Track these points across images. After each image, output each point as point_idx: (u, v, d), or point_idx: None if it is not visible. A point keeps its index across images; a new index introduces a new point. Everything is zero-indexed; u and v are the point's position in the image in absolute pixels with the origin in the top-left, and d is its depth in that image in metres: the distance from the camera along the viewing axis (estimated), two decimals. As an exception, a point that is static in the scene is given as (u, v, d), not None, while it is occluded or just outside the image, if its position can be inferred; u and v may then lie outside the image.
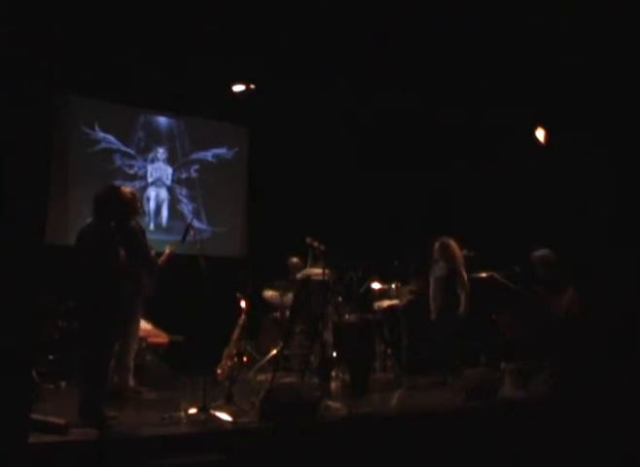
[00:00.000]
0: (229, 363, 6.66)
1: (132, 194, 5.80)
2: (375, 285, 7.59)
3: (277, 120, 9.07)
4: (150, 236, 8.84)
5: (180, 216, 9.23)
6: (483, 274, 7.28)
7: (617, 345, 6.57)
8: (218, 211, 9.52)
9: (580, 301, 6.73)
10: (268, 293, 7.80)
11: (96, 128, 8.74)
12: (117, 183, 8.78)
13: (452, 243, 7.19)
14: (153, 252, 6.02)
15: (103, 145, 8.82)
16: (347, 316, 6.88)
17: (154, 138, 9.27)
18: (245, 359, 7.03)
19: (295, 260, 7.84)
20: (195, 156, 9.54)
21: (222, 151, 9.70)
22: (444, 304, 7.09)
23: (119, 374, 5.63)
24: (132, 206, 5.63)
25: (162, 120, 9.38)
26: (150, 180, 9.20)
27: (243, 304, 7.09)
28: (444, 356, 6.99)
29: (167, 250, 6.42)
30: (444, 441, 4.96)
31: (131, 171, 9.05)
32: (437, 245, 7.23)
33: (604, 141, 8.00)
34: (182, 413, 4.71)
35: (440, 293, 7.16)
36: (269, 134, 9.33)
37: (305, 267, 7.18)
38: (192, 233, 5.55)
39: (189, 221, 6.15)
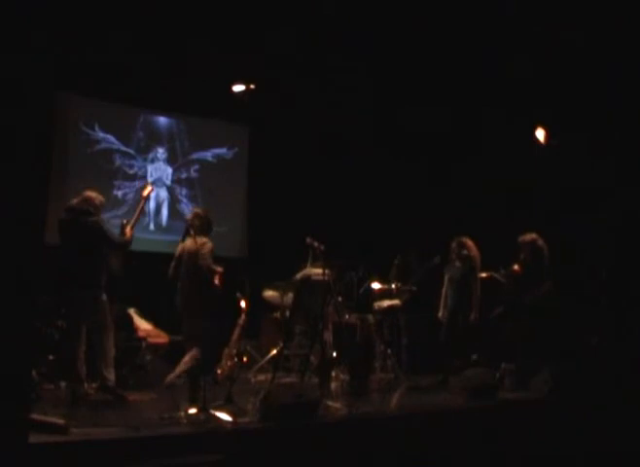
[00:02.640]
0: (229, 363, 6.66)
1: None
2: (375, 285, 7.58)
3: (277, 120, 9.07)
4: (150, 236, 8.94)
5: (180, 216, 9.22)
6: (483, 274, 7.28)
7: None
8: (218, 211, 9.51)
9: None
10: (268, 293, 7.79)
11: (96, 128, 8.74)
12: (116, 183, 8.85)
13: (469, 243, 7.16)
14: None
15: (103, 145, 8.82)
16: (347, 316, 6.87)
17: (154, 138, 9.27)
18: (245, 359, 7.03)
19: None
20: (195, 156, 9.53)
21: (222, 151, 9.70)
22: (455, 305, 7.09)
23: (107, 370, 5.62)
24: None
25: (162, 120, 9.38)
26: (150, 180, 9.19)
27: (243, 304, 7.09)
28: (444, 356, 7.00)
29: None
30: (444, 441, 4.96)
31: (131, 171, 9.05)
32: (453, 245, 7.20)
33: (604, 141, 8.01)
34: (182, 413, 4.71)
35: (452, 294, 7.15)
36: (269, 134, 9.34)
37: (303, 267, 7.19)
38: (192, 232, 5.55)
39: (189, 221, 6.15)
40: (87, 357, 5.60)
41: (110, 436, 4.10)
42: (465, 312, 7.01)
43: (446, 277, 7.30)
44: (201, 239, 5.97)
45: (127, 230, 5.90)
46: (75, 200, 5.81)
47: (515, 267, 7.11)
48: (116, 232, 5.94)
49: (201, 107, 9.02)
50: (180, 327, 6.22)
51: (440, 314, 7.28)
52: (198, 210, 6.47)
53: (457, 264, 7.17)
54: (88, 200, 5.79)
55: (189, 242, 5.89)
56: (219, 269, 6.10)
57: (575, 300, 7.64)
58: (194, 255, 5.91)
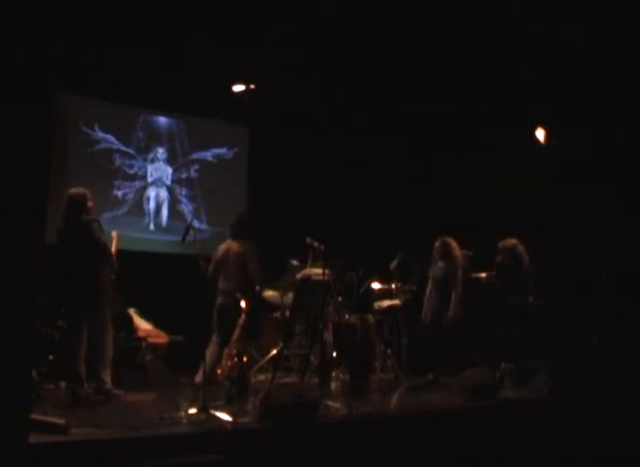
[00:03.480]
0: (229, 363, 6.66)
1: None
2: (375, 285, 7.58)
3: (277, 120, 9.07)
4: (150, 236, 8.95)
5: (180, 216, 9.23)
6: (483, 274, 7.28)
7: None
8: (218, 211, 9.52)
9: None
10: (268, 293, 7.79)
11: (96, 128, 8.74)
12: (116, 183, 8.85)
13: (453, 243, 7.17)
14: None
15: (103, 145, 8.82)
16: (347, 316, 6.87)
17: (154, 138, 9.27)
18: (245, 359, 7.02)
19: (295, 262, 7.81)
20: (195, 156, 9.53)
21: (222, 151, 9.70)
22: (439, 305, 7.10)
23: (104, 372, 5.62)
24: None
25: (162, 120, 9.38)
26: (150, 180, 9.20)
27: (243, 304, 7.09)
28: (435, 356, 7.00)
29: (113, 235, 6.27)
30: (444, 441, 4.96)
31: (131, 171, 9.05)
32: (437, 244, 7.21)
33: (604, 141, 8.01)
34: (182, 413, 4.71)
35: (435, 293, 7.16)
36: (269, 134, 9.33)
37: (303, 267, 7.20)
38: (192, 232, 5.56)
39: (189, 221, 6.16)
40: (86, 357, 5.61)
41: (110, 436, 4.10)
42: (445, 313, 7.02)
43: (430, 277, 7.31)
44: (248, 244, 6.31)
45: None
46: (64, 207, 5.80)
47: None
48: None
49: (201, 107, 9.02)
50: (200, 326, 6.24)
51: (423, 315, 7.27)
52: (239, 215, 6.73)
53: (440, 264, 7.18)
54: (73, 200, 5.78)
55: (234, 245, 6.14)
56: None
57: (574, 300, 7.65)
58: (241, 258, 6.16)
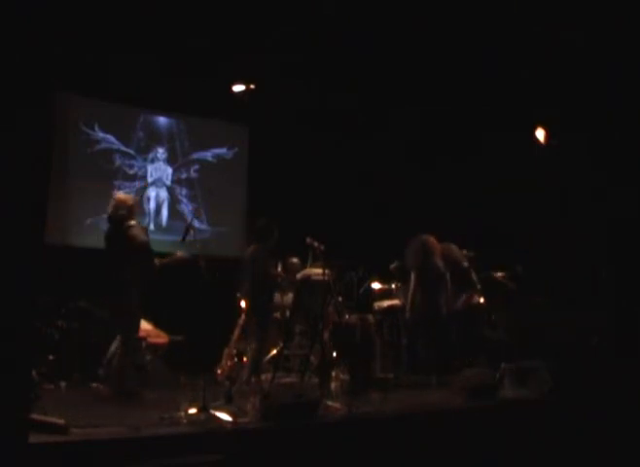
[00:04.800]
0: (229, 363, 6.65)
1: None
2: (375, 285, 7.58)
3: (277, 120, 9.07)
4: (150, 236, 8.92)
5: (180, 216, 9.23)
6: (499, 274, 7.30)
7: None
8: (218, 211, 9.52)
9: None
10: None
11: (96, 128, 8.74)
12: (116, 183, 8.84)
13: (431, 240, 7.17)
14: None
15: (103, 145, 8.82)
16: (347, 316, 6.87)
17: (154, 138, 9.26)
18: (245, 359, 7.02)
19: (294, 260, 7.82)
20: (195, 156, 9.53)
21: (222, 151, 9.69)
22: None
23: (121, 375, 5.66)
24: None
25: (162, 120, 9.38)
26: (150, 180, 9.20)
27: (243, 304, 7.09)
28: (430, 356, 7.02)
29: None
30: (445, 441, 4.96)
31: (131, 171, 9.05)
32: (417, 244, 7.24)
33: (604, 141, 8.02)
34: (182, 413, 4.70)
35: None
36: (269, 134, 9.33)
37: (304, 267, 7.20)
38: (192, 232, 5.56)
39: (189, 221, 6.17)
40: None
41: (110, 436, 4.10)
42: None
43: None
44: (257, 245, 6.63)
45: None
46: (109, 209, 5.92)
47: (500, 274, 7.24)
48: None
49: (201, 107, 9.02)
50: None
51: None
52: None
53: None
54: (119, 205, 5.88)
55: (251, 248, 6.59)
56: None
57: (574, 300, 7.65)
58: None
